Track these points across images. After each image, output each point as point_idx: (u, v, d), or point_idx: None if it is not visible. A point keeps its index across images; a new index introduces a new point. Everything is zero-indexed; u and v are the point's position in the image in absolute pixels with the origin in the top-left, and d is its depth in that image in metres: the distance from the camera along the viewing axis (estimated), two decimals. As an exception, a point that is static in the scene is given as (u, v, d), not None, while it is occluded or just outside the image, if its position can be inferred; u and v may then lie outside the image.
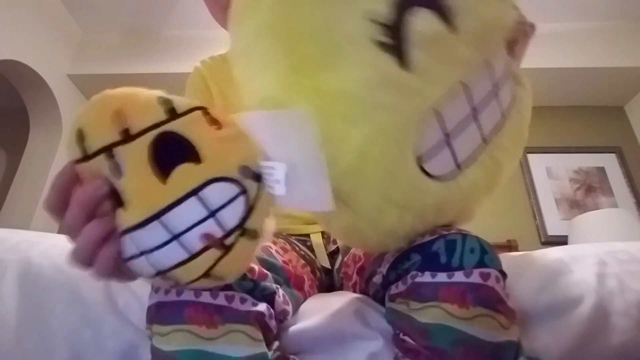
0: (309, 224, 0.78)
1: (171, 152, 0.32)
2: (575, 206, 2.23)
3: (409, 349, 0.40)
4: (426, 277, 0.40)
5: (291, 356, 0.44)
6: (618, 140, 2.39)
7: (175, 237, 0.31)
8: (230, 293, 0.39)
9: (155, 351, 0.38)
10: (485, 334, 0.37)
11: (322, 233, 0.78)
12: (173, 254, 0.32)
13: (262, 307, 0.41)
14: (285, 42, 0.34)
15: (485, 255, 0.39)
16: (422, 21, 0.32)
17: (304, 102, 0.34)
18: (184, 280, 0.33)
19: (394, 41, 0.32)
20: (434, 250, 0.40)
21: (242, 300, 0.40)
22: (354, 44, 0.33)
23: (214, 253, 0.33)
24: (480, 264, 0.39)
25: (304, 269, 0.64)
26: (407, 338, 0.41)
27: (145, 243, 0.31)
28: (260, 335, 0.40)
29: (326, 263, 0.73)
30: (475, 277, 0.38)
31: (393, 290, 0.44)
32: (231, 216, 0.33)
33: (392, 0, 0.32)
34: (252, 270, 0.43)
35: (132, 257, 0.31)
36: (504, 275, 0.40)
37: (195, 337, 0.37)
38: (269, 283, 0.45)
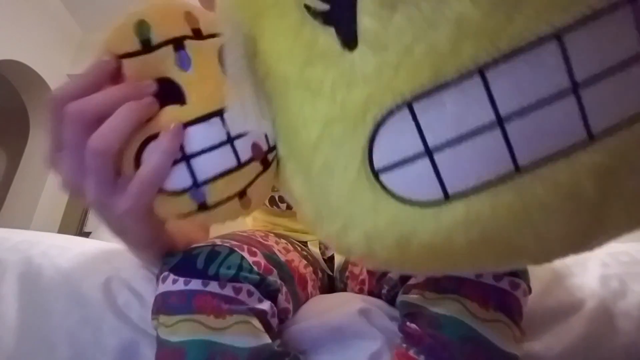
0: (307, 232, 0.78)
1: None
2: (576, 207, 2.23)
3: (412, 334, 0.40)
4: None
5: (292, 352, 0.44)
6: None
7: (231, 139, 0.30)
8: (237, 285, 0.39)
9: (162, 343, 0.38)
10: (499, 340, 0.36)
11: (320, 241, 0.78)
12: (223, 158, 0.30)
13: (265, 305, 0.41)
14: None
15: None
16: None
17: None
18: (215, 198, 0.31)
19: (330, 5, 0.25)
20: None
21: (250, 294, 0.40)
22: (277, 9, 0.28)
23: (256, 167, 0.32)
24: (513, 273, 0.38)
25: (307, 269, 0.64)
26: (413, 325, 0.40)
27: (200, 141, 0.29)
28: (262, 328, 0.40)
29: (325, 269, 0.73)
30: (505, 284, 0.37)
31: (411, 281, 0.44)
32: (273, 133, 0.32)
33: None
34: (258, 263, 0.43)
35: (172, 163, 0.29)
36: (530, 291, 0.40)
37: (204, 327, 0.36)
38: (274, 278, 0.45)
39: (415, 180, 0.26)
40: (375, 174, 0.27)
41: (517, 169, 0.25)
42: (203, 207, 0.31)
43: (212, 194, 0.30)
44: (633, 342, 0.46)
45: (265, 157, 0.32)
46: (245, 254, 0.42)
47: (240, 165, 0.31)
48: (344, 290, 0.71)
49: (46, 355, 0.46)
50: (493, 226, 0.26)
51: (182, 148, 0.29)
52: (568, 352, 0.46)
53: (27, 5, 2.13)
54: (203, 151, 0.29)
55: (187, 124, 0.29)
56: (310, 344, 0.46)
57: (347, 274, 0.71)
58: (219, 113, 0.30)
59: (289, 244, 0.66)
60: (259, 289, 0.41)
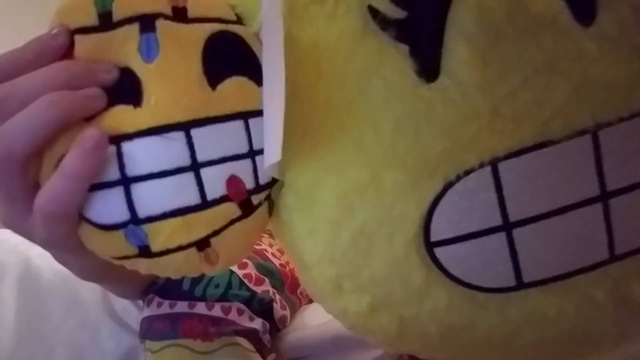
0: None
1: (227, 59, 0.23)
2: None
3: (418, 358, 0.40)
4: None
5: None
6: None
7: (197, 166, 0.21)
8: (227, 304, 0.38)
9: None
10: None
11: None
12: (179, 191, 0.21)
13: (257, 323, 0.40)
14: None
15: None
16: None
17: None
18: (160, 245, 0.22)
19: (408, 12, 0.18)
20: None
21: (240, 312, 0.39)
22: (324, 6, 0.20)
23: (229, 211, 0.23)
24: None
25: None
26: None
27: (148, 161, 0.21)
28: (253, 347, 0.39)
29: None
30: None
31: None
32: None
33: None
34: (248, 276, 0.42)
35: (105, 185, 0.20)
36: None
37: (190, 352, 0.36)
38: (266, 287, 0.44)
39: (482, 259, 0.20)
40: (430, 246, 0.21)
41: (613, 256, 0.20)
42: (145, 252, 0.22)
43: (157, 237, 0.21)
44: (635, 347, 0.46)
45: (248, 200, 0.23)
46: (235, 268, 0.41)
47: (203, 205, 0.22)
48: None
49: (44, 358, 0.46)
50: (576, 323, 0.21)
51: (122, 167, 0.20)
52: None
53: (27, 5, 2.13)
54: (150, 176, 0.21)
55: (135, 134, 0.21)
56: (309, 351, 0.46)
57: None
58: (185, 127, 0.21)
59: None
60: (250, 306, 0.40)
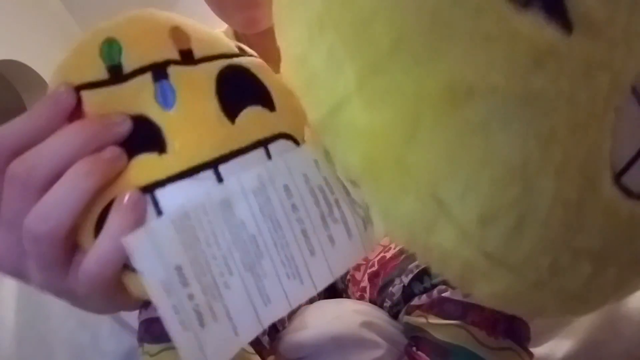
0: None
1: (239, 91, 0.25)
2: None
3: None
4: (456, 295, 0.37)
5: None
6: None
7: None
8: None
9: None
10: None
11: None
12: None
13: None
14: None
15: None
16: None
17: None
18: None
19: None
20: None
21: None
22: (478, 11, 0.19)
23: None
24: None
25: None
26: (421, 354, 0.40)
27: (183, 203, 0.21)
28: (252, 349, 0.39)
29: None
30: None
31: (414, 302, 0.43)
32: None
33: None
34: None
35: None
36: None
37: None
38: None
39: None
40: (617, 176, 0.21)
41: None
42: None
43: None
44: (635, 347, 0.46)
45: None
46: None
47: None
48: (345, 291, 0.70)
49: (44, 358, 0.46)
50: None
51: (160, 213, 0.21)
52: (570, 357, 0.45)
53: (27, 5, 2.13)
54: None
55: (167, 180, 0.21)
56: (308, 352, 0.46)
57: (348, 277, 0.70)
58: (212, 164, 0.22)
59: None
60: None
